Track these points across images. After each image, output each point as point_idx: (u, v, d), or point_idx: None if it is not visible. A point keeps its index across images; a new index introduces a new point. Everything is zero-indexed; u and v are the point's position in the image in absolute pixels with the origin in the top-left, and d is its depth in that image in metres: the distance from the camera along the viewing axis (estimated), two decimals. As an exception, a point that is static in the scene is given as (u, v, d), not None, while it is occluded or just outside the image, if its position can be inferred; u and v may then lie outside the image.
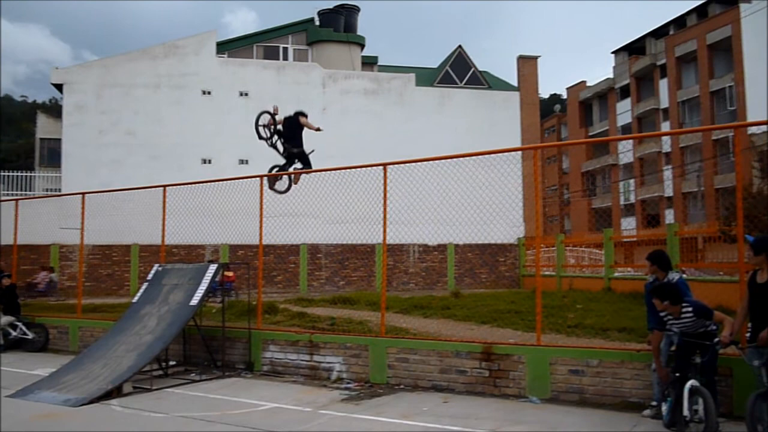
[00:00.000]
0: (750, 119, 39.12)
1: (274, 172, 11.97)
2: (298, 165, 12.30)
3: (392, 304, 16.04)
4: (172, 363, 11.40)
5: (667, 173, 51.06)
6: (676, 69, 51.98)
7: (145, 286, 11.60)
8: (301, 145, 12.19)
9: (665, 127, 51.84)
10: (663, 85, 53.44)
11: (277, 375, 10.61)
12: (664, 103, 53.13)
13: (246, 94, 28.28)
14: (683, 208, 49.76)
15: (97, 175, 24.88)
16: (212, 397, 8.96)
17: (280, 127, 12.26)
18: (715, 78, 48.47)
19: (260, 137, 12.15)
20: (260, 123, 12.23)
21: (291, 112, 12.47)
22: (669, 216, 49.92)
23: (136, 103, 27.00)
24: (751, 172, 19.83)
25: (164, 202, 12.56)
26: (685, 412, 6.10)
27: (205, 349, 11.15)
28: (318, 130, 11.98)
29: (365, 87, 29.70)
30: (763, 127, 27.52)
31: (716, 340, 6.32)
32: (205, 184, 12.73)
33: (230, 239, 22.87)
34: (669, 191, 51.98)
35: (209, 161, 27.40)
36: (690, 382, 6.22)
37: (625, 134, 57.37)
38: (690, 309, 6.59)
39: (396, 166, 10.46)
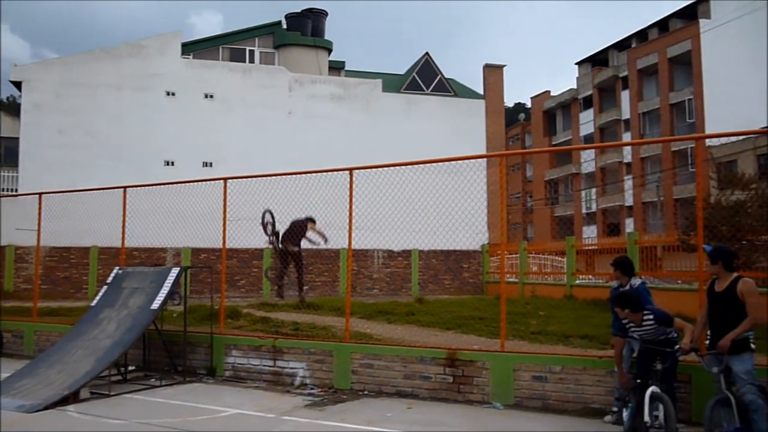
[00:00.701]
0: (708, 132, 40.09)
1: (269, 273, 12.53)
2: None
3: (356, 309, 15.93)
4: (131, 368, 11.17)
5: (628, 183, 52.02)
6: (637, 81, 53.05)
7: (104, 289, 11.35)
8: (299, 245, 13.30)
9: (626, 137, 52.87)
10: (625, 96, 54.49)
11: (239, 380, 10.47)
12: (626, 114, 54.17)
13: (211, 96, 27.96)
14: (643, 218, 50.74)
15: (56, 176, 24.26)
16: (173, 403, 8.79)
17: (278, 228, 13.34)
18: (675, 91, 49.61)
19: (266, 233, 13.19)
20: (265, 221, 12.79)
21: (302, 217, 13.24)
22: (629, 225, 50.84)
23: (97, 102, 26.44)
24: (709, 183, 20.27)
25: (125, 203, 12.33)
26: (646, 418, 6.18)
27: (165, 354, 10.95)
28: (324, 240, 12.59)
29: (332, 92, 29.62)
30: (721, 140, 28.21)
31: (677, 347, 6.42)
32: (167, 186, 12.52)
33: (193, 242, 22.57)
34: (629, 201, 52.95)
35: (172, 163, 27.00)
36: (651, 389, 6.30)
37: (587, 144, 58.39)
38: (651, 316, 6.68)
39: (362, 171, 10.44)
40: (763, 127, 34.11)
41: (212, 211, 12.19)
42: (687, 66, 48.70)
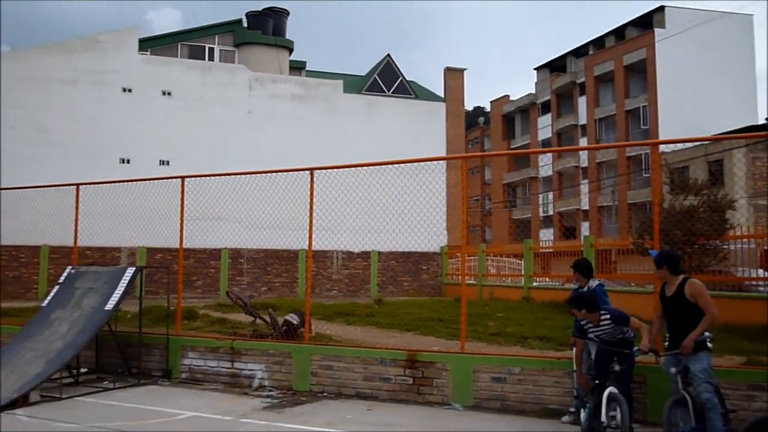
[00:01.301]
0: (661, 138, 41.03)
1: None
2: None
3: (316, 310, 15.82)
4: (84, 370, 10.87)
5: (584, 187, 52.95)
6: (594, 87, 54.06)
7: (56, 289, 11.02)
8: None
9: (583, 143, 53.83)
10: (582, 102, 55.48)
11: (196, 382, 10.29)
12: (583, 119, 55.16)
13: (169, 94, 27.50)
14: (598, 221, 51.70)
15: (6, 172, 23.55)
16: (127, 406, 8.58)
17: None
18: (631, 98, 50.70)
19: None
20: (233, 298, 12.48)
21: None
22: (585, 228, 51.75)
23: (50, 98, 25.75)
24: (662, 188, 20.73)
25: (77, 201, 12.00)
26: (603, 418, 6.26)
27: (120, 356, 10.68)
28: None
29: (293, 92, 29.41)
30: (674, 146, 28.87)
31: (636, 348, 6.53)
32: (122, 184, 12.24)
33: (148, 242, 22.13)
34: (586, 205, 53.90)
35: (128, 161, 26.45)
36: (608, 390, 6.39)
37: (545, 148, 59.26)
38: (608, 316, 6.78)
39: (322, 172, 10.37)
40: (721, 134, 35.16)
41: (169, 210, 11.97)
42: (642, 74, 49.82)
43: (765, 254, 13.30)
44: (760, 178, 37.27)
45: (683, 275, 6.48)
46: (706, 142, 37.56)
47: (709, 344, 6.24)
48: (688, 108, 45.34)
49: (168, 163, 26.03)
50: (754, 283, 13.44)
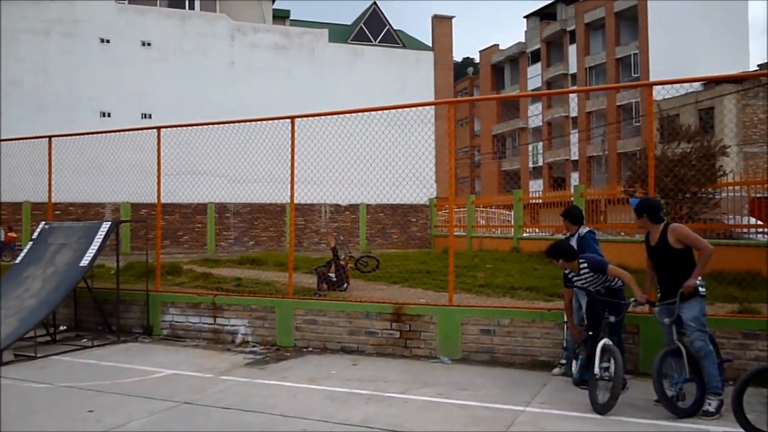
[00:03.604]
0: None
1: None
2: None
3: (302, 264, 15.59)
4: (62, 328, 10.60)
5: (574, 137, 52.55)
6: (584, 35, 53.16)
7: (29, 245, 10.63)
8: None
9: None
10: (572, 50, 54.62)
11: (177, 339, 10.02)
12: (573, 68, 54.38)
13: (149, 44, 26.66)
14: (588, 171, 51.47)
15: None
16: (104, 364, 8.29)
17: None
18: (621, 45, 49.91)
19: None
20: None
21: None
22: (575, 179, 51.53)
23: (20, 50, 24.84)
24: (655, 133, 20.41)
25: (50, 154, 11.50)
26: (596, 370, 6.03)
27: (98, 313, 10.38)
28: None
29: (275, 41, 28.60)
30: (664, 95, 28.39)
31: (632, 299, 6.26)
32: (103, 138, 11.71)
33: (132, 197, 21.68)
34: (575, 155, 53.57)
35: (108, 115, 25.77)
36: (603, 341, 6.14)
37: (534, 99, 58.57)
38: (585, 264, 6.51)
39: (306, 122, 9.93)
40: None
41: (152, 165, 11.53)
42: (633, 21, 48.95)
43: (753, 202, 13.12)
44: (750, 125, 37.01)
45: (664, 222, 6.17)
46: (698, 90, 37.15)
47: (702, 291, 5.97)
48: (678, 56, 44.62)
49: (150, 116, 25.38)
50: (744, 230, 13.25)
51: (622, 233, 16.07)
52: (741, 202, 13.43)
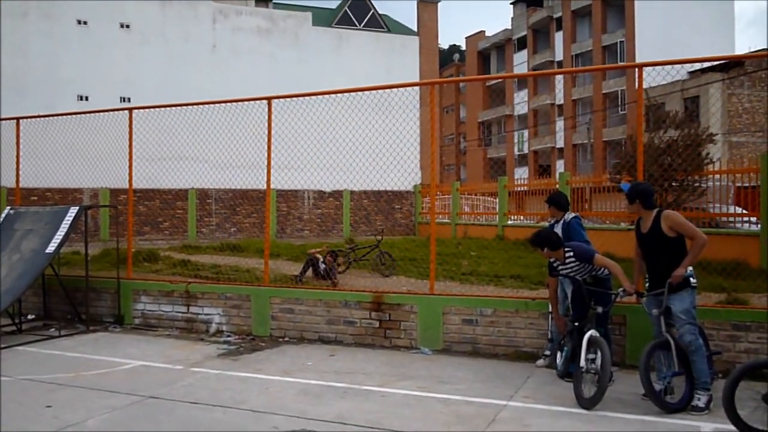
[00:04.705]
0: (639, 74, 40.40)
1: None
2: None
3: (283, 251, 15.28)
4: (30, 317, 10.22)
5: (559, 125, 52.35)
6: (571, 22, 52.84)
7: (-6, 231, 10.20)
8: None
9: (560, 80, 52.84)
10: (558, 38, 54.29)
11: (149, 329, 9.67)
12: (559, 56, 54.07)
13: (128, 26, 26.01)
14: (573, 159, 51.33)
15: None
16: (69, 355, 7.93)
17: None
18: (608, 33, 49.64)
19: None
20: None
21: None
22: (560, 166, 51.39)
23: (-2, 32, 24.15)
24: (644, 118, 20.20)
25: (18, 136, 11.06)
26: (582, 362, 5.77)
27: (68, 302, 10.00)
28: None
29: (258, 25, 28.03)
30: (651, 82, 28.21)
31: (621, 289, 5.99)
32: (77, 119, 11.24)
33: (112, 183, 21.14)
34: (561, 142, 53.40)
35: (86, 98, 25.13)
36: (590, 333, 5.88)
37: (521, 86, 58.22)
38: (571, 253, 6.25)
39: (289, 106, 9.58)
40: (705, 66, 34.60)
41: (126, 148, 11.10)
42: (620, 8, 48.67)
43: (738, 191, 12.96)
44: (735, 114, 36.97)
45: (657, 209, 5.90)
46: (684, 78, 37.03)
47: (693, 282, 5.71)
48: (665, 44, 44.41)
49: (129, 100, 24.74)
50: (730, 219, 13.09)
51: (607, 221, 15.91)
52: (727, 190, 13.26)
